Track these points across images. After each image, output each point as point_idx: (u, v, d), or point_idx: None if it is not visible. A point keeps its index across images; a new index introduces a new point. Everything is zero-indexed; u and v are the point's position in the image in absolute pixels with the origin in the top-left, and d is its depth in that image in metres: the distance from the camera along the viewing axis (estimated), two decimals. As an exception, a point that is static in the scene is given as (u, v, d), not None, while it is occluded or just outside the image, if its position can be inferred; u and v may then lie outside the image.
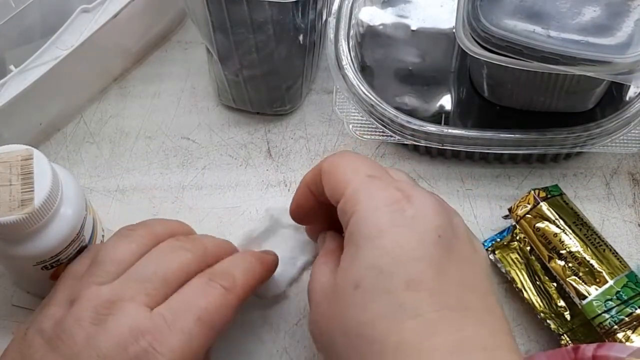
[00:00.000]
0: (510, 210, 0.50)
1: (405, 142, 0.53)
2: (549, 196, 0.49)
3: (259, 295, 0.49)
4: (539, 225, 0.48)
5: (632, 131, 0.51)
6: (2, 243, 0.44)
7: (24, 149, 0.44)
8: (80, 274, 0.43)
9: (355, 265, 0.37)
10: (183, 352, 0.39)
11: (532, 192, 0.49)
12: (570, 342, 0.46)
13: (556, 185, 0.50)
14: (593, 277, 0.46)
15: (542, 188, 0.49)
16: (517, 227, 0.49)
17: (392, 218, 0.37)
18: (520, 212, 0.49)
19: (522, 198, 0.49)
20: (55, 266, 0.46)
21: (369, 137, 0.53)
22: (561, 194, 0.49)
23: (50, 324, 0.40)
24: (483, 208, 0.54)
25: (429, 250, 0.36)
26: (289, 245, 0.51)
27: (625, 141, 0.51)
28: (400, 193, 0.38)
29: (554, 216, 0.48)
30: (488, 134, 0.51)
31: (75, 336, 0.39)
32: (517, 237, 0.50)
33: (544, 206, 0.48)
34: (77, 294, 0.41)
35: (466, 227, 0.40)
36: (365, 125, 0.53)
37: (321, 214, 0.45)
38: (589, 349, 0.42)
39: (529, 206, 0.49)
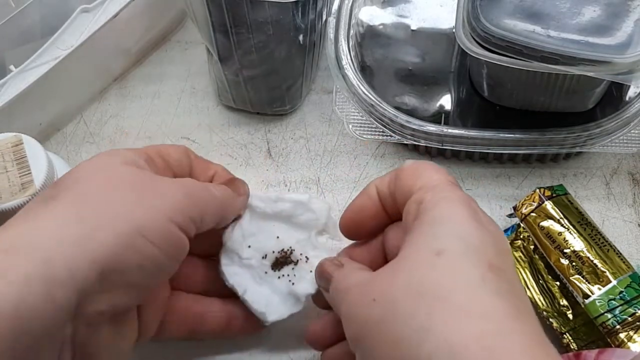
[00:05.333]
0: (514, 208, 0.50)
1: (405, 142, 0.53)
2: (554, 195, 0.49)
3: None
4: (544, 223, 0.48)
5: (632, 131, 0.51)
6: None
7: (12, 135, 0.44)
8: None
9: (437, 234, 0.36)
10: None
11: (538, 190, 0.49)
12: (572, 341, 0.46)
13: (561, 185, 0.50)
14: (596, 276, 0.46)
15: (548, 187, 0.49)
16: (522, 225, 0.49)
17: (473, 213, 0.37)
18: (525, 210, 0.49)
19: (527, 196, 0.49)
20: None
21: (368, 137, 0.53)
22: (566, 194, 0.49)
23: None
24: (483, 208, 0.51)
25: (507, 245, 0.38)
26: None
27: (625, 141, 0.51)
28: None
29: (558, 215, 0.48)
30: (488, 134, 0.51)
31: None
32: (521, 236, 0.50)
33: (548, 205, 0.48)
34: None
35: None
36: (365, 125, 0.53)
37: (373, 227, 0.43)
38: (590, 355, 0.42)
39: (535, 204, 0.49)
